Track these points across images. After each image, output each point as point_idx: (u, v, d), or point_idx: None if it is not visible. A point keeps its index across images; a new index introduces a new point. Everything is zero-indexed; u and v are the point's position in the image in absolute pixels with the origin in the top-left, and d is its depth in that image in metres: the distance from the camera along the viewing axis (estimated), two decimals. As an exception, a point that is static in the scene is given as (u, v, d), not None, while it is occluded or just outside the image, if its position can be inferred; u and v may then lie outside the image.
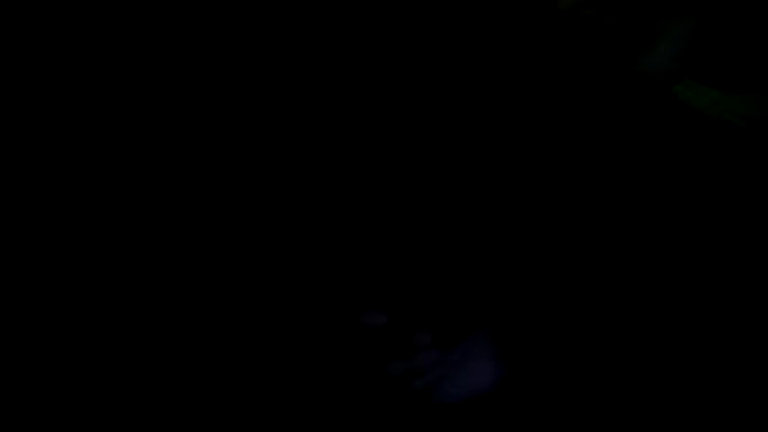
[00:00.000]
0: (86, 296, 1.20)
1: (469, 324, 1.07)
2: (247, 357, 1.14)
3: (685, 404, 1.07)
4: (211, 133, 1.24)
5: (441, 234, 1.12)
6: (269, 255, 1.18)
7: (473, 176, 1.14)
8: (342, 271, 1.11)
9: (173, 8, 1.21)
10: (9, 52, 1.24)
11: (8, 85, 1.25)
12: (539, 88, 1.16)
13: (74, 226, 1.21)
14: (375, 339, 1.06)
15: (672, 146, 1.18)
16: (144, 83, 1.24)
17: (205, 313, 1.17)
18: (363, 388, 1.05)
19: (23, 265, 1.19)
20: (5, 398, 1.13)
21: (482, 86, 1.15)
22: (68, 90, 1.24)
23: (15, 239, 1.20)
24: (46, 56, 1.24)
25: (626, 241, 1.15)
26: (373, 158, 1.16)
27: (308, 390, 1.09)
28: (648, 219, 1.17)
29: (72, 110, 1.24)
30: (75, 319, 1.18)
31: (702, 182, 1.19)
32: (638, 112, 1.15)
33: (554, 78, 1.15)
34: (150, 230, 1.22)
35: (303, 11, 1.22)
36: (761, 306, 1.12)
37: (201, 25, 1.24)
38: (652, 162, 1.17)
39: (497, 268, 1.11)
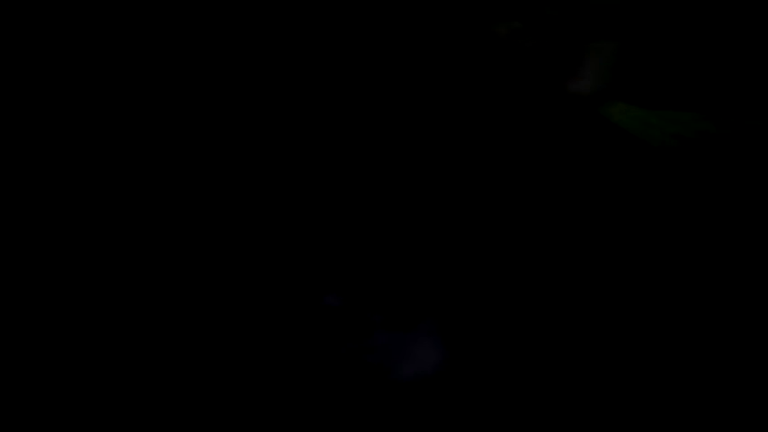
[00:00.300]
0: (59, 283, 1.22)
1: (419, 308, 1.14)
2: (208, 339, 1.18)
3: (620, 391, 1.14)
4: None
5: (395, 225, 1.18)
6: (229, 240, 1.23)
7: (423, 179, 1.20)
8: (302, 256, 1.18)
9: (171, 9, 1.25)
10: (9, 52, 1.27)
11: (8, 86, 1.27)
12: (478, 106, 1.23)
13: (66, 223, 1.24)
14: (331, 319, 1.13)
15: (600, 163, 1.25)
16: (143, 83, 1.28)
17: (165, 297, 1.21)
18: (322, 366, 1.12)
19: (23, 265, 1.21)
20: (5, 398, 1.14)
21: (427, 104, 1.22)
22: (68, 90, 1.28)
23: (15, 239, 1.23)
24: (46, 56, 1.28)
25: (549, 249, 1.23)
26: (330, 151, 1.22)
27: (268, 368, 1.15)
28: (577, 229, 1.24)
29: (72, 110, 1.28)
30: (48, 310, 1.19)
31: (631, 199, 1.27)
32: (568, 132, 1.23)
33: (491, 99, 1.23)
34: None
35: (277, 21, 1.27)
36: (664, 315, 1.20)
37: (188, 28, 1.28)
38: (581, 178, 1.25)
39: (446, 259, 1.18)
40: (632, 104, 1.16)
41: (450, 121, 1.18)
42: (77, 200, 1.23)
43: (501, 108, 1.14)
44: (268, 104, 1.26)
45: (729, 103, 1.17)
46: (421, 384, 1.09)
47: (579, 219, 1.19)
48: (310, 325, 1.12)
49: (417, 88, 1.18)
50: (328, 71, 1.24)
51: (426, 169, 1.18)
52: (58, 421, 1.12)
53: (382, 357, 1.07)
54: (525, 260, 1.17)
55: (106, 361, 1.16)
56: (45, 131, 1.25)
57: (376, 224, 1.17)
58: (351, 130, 1.20)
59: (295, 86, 1.26)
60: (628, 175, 1.20)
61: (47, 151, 1.25)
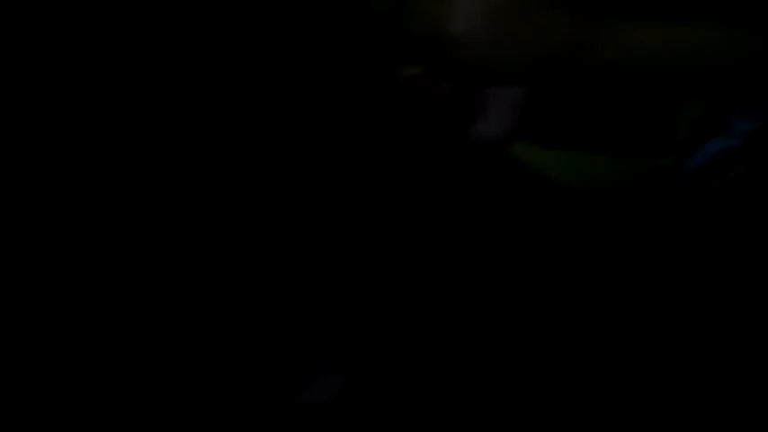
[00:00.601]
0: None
1: (319, 345, 1.18)
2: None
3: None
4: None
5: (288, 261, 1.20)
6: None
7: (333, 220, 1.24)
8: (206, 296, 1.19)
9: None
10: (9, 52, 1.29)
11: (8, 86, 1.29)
12: (380, 150, 1.22)
13: (65, 225, 1.27)
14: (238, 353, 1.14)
15: (509, 206, 1.21)
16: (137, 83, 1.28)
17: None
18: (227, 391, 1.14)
19: (22, 265, 1.25)
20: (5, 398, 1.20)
21: (327, 148, 1.24)
22: (67, 90, 1.29)
23: (14, 239, 1.26)
24: (46, 56, 1.29)
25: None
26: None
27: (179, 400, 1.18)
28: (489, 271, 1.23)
29: (69, 110, 1.29)
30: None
31: (543, 241, 1.23)
32: (477, 176, 1.18)
33: (394, 143, 1.19)
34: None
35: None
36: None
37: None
38: (491, 219, 1.22)
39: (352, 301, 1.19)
40: (542, 146, 1.18)
41: (355, 166, 1.19)
42: (70, 199, 1.26)
43: (404, 152, 1.14)
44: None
45: (635, 145, 1.20)
46: (322, 407, 1.13)
47: (491, 259, 1.22)
48: (215, 361, 1.15)
49: (317, 132, 1.18)
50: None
51: (335, 211, 1.19)
52: (51, 421, 1.18)
53: (286, 385, 1.11)
54: (435, 303, 1.20)
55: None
56: (43, 131, 1.27)
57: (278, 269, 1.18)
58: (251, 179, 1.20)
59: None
60: (538, 216, 1.22)
61: (44, 151, 1.27)
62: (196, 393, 1.15)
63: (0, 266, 1.25)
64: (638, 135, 1.19)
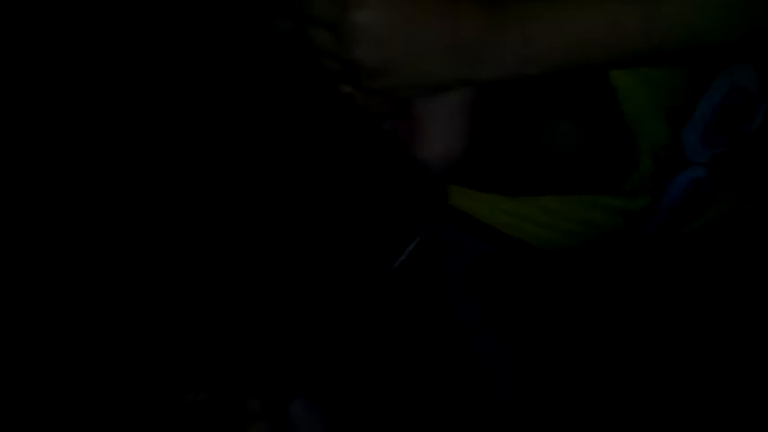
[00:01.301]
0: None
1: (296, 387, 1.08)
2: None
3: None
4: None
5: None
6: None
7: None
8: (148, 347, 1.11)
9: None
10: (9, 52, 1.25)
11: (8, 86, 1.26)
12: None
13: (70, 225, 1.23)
14: (197, 417, 1.05)
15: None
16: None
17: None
18: None
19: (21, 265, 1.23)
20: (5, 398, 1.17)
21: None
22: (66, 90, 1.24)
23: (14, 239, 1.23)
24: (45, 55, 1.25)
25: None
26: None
27: None
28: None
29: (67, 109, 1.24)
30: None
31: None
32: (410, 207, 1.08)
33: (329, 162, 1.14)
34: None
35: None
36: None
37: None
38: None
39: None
40: (478, 187, 1.06)
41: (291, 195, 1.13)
42: (68, 199, 1.22)
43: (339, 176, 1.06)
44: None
45: (596, 179, 1.16)
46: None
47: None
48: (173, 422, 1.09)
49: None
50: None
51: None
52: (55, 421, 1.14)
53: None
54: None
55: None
56: (43, 131, 1.24)
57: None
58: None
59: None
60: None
61: (44, 150, 1.24)
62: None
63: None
64: (597, 167, 1.15)
